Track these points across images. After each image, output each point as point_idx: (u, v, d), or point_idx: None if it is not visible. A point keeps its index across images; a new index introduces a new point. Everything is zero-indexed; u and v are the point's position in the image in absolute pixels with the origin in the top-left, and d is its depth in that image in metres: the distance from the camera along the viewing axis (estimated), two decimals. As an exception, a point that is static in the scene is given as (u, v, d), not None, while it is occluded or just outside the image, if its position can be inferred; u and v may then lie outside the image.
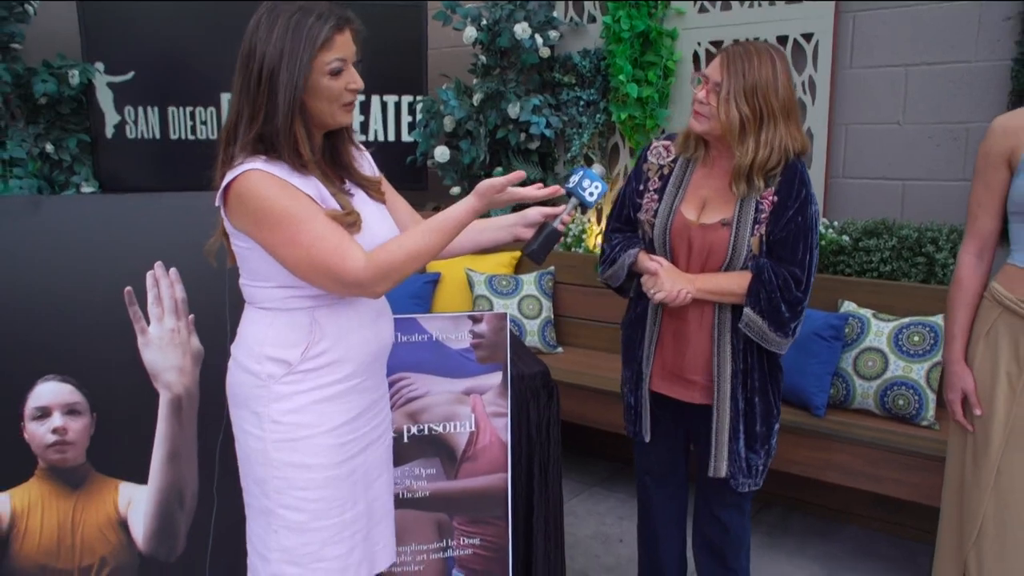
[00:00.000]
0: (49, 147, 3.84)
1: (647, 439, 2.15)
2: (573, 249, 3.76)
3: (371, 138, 4.00)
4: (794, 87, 2.14)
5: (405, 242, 1.53)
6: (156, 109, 3.89)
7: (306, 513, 1.62)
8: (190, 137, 3.91)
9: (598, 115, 3.80)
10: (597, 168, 1.77)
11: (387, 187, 1.76)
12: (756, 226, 1.92)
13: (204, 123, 3.89)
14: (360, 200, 1.64)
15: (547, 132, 3.79)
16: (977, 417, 1.89)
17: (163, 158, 3.93)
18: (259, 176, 1.48)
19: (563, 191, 1.69)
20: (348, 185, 1.64)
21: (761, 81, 1.85)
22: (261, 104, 1.48)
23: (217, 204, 1.56)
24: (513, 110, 3.74)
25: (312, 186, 1.53)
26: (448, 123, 3.91)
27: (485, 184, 1.53)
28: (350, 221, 1.56)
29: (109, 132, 3.90)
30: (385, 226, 1.68)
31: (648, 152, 2.11)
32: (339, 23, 1.50)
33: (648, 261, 1.99)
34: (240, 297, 1.65)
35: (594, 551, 2.86)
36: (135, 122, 3.92)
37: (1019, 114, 1.83)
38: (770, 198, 1.92)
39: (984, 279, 1.94)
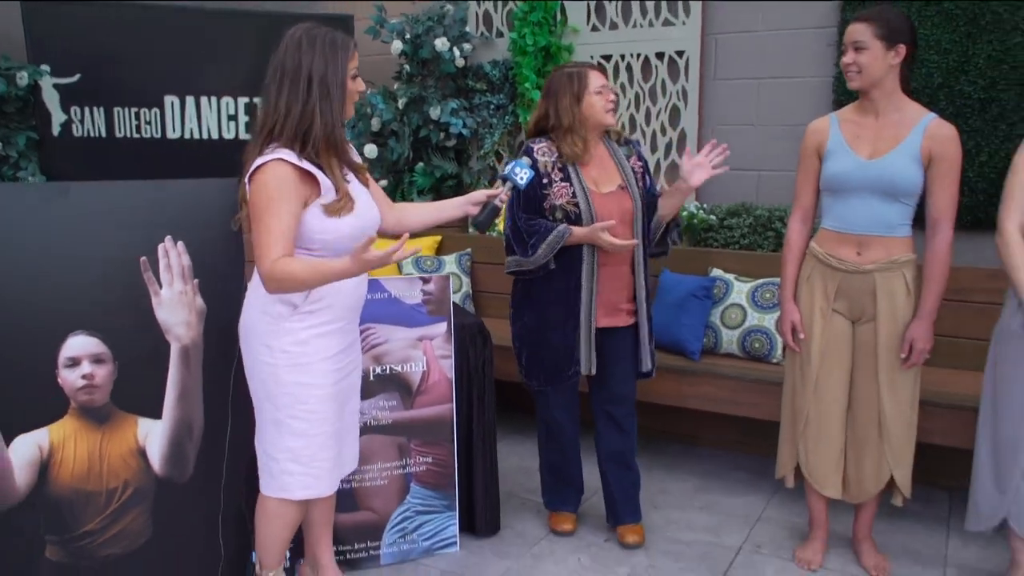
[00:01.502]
0: (-3, 144, 4.07)
1: (594, 371, 2.68)
2: (488, 233, 4.29)
3: (305, 136, 4.39)
4: None
5: (300, 268, 1.86)
6: (102, 109, 4.15)
7: (307, 422, 2.07)
8: (135, 135, 4.20)
9: (507, 117, 4.33)
10: (526, 159, 2.41)
11: (368, 176, 2.22)
12: (639, 182, 2.66)
13: (148, 123, 4.18)
14: (353, 185, 2.10)
15: (464, 132, 4.29)
16: (802, 341, 2.54)
17: (109, 156, 4.16)
18: (280, 166, 1.90)
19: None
20: (345, 170, 2.12)
21: None
22: (314, 104, 1.89)
23: (246, 180, 1.99)
24: (434, 112, 4.24)
25: (322, 176, 1.96)
26: (375, 123, 4.37)
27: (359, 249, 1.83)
28: (341, 205, 1.98)
29: (56, 130, 4.13)
30: (371, 208, 2.12)
31: (535, 153, 2.62)
32: (354, 42, 2.00)
33: (592, 225, 2.54)
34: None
35: (519, 479, 3.41)
36: (81, 121, 4.15)
37: (824, 119, 2.50)
38: (636, 163, 2.69)
39: (806, 240, 2.58)
